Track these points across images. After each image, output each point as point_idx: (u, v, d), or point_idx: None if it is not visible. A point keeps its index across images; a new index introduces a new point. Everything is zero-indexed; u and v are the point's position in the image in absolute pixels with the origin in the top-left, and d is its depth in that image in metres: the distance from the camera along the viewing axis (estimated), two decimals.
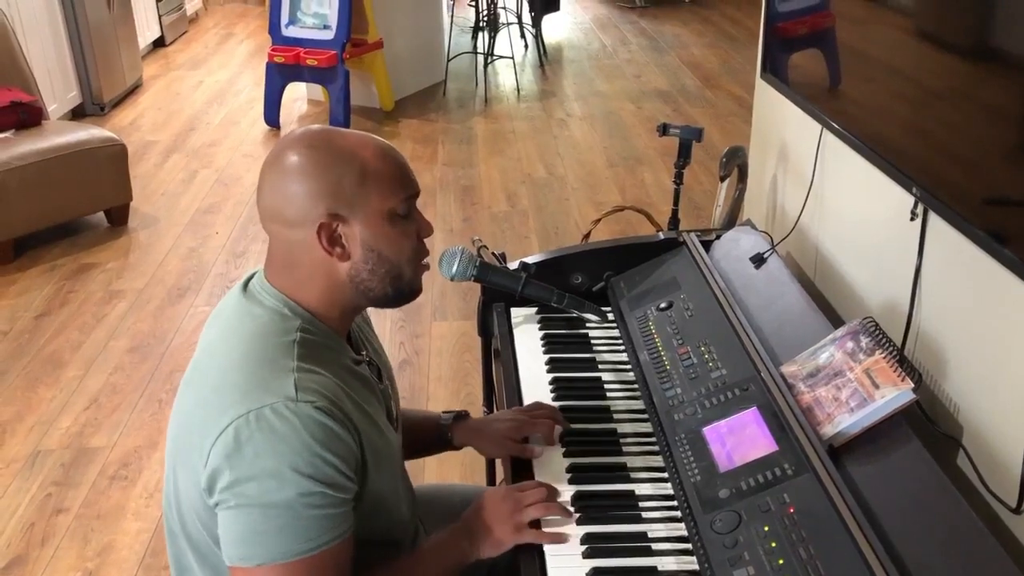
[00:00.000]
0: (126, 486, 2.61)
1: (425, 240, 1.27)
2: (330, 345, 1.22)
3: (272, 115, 5.60)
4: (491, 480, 2.05)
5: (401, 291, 1.25)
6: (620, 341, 1.78)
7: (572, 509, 1.35)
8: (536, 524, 1.32)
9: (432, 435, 1.57)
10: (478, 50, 6.62)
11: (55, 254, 3.98)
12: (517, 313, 1.89)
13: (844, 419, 1.32)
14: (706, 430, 1.41)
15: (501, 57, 6.65)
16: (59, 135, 4.03)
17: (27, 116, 4.04)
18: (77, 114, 5.60)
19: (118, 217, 4.25)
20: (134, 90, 6.26)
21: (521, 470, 1.47)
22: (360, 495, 1.17)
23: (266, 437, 1.08)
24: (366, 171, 1.17)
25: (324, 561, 1.12)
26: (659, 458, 1.46)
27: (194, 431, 1.14)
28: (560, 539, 1.30)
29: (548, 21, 7.85)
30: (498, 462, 1.80)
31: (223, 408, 1.11)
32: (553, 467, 1.45)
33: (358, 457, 1.15)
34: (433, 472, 2.59)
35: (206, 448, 1.10)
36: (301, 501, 1.09)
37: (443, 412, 1.59)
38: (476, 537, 1.30)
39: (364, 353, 1.32)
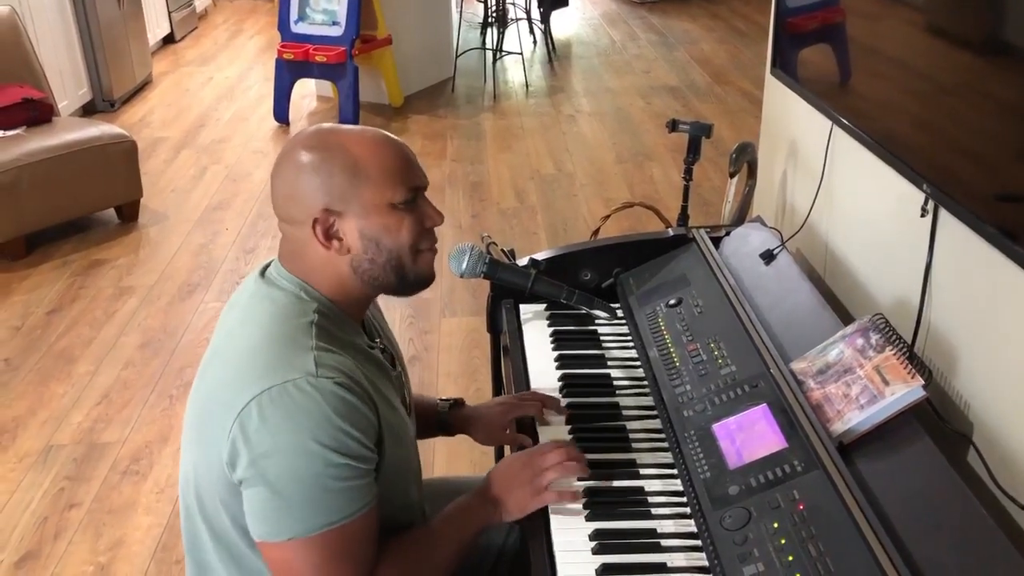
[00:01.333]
0: (137, 481, 2.63)
1: (435, 232, 1.28)
2: (345, 328, 1.24)
3: (281, 111, 5.61)
4: None
5: (406, 279, 1.26)
6: (629, 337, 1.78)
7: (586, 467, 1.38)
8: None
9: (431, 420, 1.61)
10: (487, 46, 6.62)
11: (66, 250, 4.00)
12: (526, 309, 1.89)
13: (854, 416, 1.32)
14: (715, 427, 1.41)
15: (510, 53, 6.65)
16: (70, 132, 4.04)
17: (38, 113, 4.05)
18: (87, 111, 5.62)
19: (128, 213, 4.27)
20: (144, 86, 6.28)
21: None
22: (379, 468, 1.19)
23: (289, 412, 1.10)
24: (357, 165, 1.19)
25: (352, 531, 1.15)
26: (668, 454, 1.46)
27: (216, 410, 1.16)
28: (575, 495, 1.33)
29: (557, 17, 7.85)
30: (507, 453, 1.81)
31: (244, 385, 1.13)
32: None
33: (377, 430, 1.18)
34: (442, 461, 2.60)
35: (228, 425, 1.12)
36: (327, 473, 1.11)
37: (440, 399, 1.63)
38: (498, 501, 1.33)
39: (378, 340, 1.34)
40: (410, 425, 1.35)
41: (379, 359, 1.29)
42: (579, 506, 1.35)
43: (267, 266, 1.29)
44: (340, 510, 1.13)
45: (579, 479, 1.38)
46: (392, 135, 1.25)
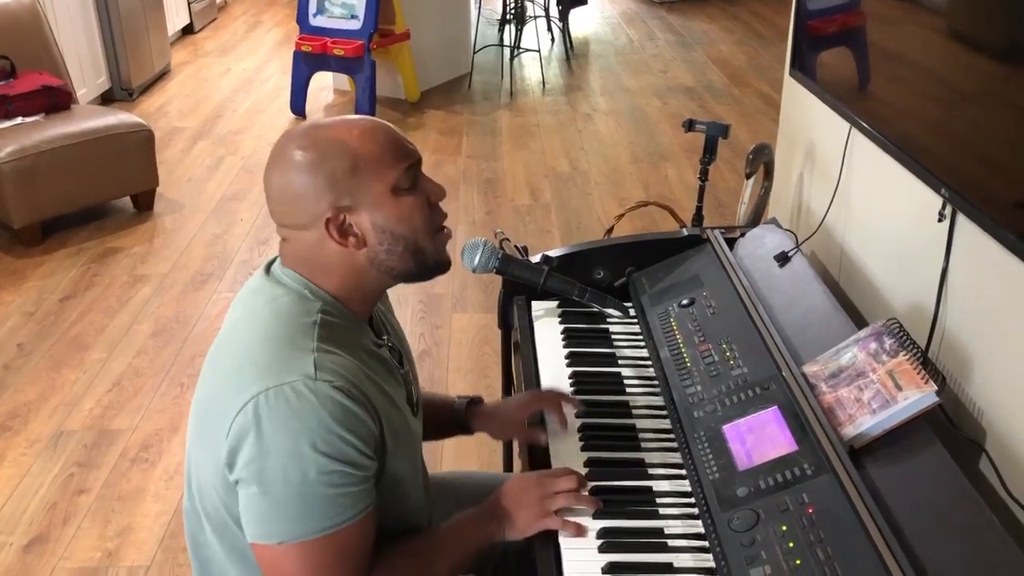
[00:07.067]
0: (147, 468, 2.64)
1: (446, 225, 1.27)
2: (351, 328, 1.23)
3: (298, 104, 5.63)
4: (508, 468, 2.05)
5: (425, 263, 1.25)
6: (641, 337, 1.78)
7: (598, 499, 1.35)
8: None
9: (447, 418, 1.59)
10: (504, 43, 6.61)
11: (81, 237, 4.02)
12: (538, 306, 1.89)
13: (865, 420, 1.31)
14: (726, 428, 1.41)
15: (527, 50, 6.64)
16: (88, 120, 4.06)
17: (57, 100, 4.07)
18: (106, 99, 5.64)
19: (144, 202, 4.28)
20: (162, 76, 6.30)
21: (539, 464, 1.47)
22: (380, 474, 1.18)
23: (284, 415, 1.09)
24: (356, 157, 1.18)
25: (345, 538, 1.13)
26: (677, 455, 1.45)
27: (215, 408, 1.16)
28: (582, 532, 1.30)
29: (575, 15, 7.83)
30: (515, 453, 1.81)
31: (243, 385, 1.12)
32: (571, 461, 1.45)
33: (377, 437, 1.16)
34: (450, 459, 2.60)
35: (226, 425, 1.12)
36: (320, 479, 1.10)
37: (457, 396, 1.61)
38: (501, 520, 1.31)
39: (386, 338, 1.33)
40: (415, 425, 1.33)
41: (386, 358, 1.28)
42: (597, 500, 1.34)
43: (272, 261, 1.27)
44: (332, 517, 1.12)
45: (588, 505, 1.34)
46: (374, 117, 1.24)
